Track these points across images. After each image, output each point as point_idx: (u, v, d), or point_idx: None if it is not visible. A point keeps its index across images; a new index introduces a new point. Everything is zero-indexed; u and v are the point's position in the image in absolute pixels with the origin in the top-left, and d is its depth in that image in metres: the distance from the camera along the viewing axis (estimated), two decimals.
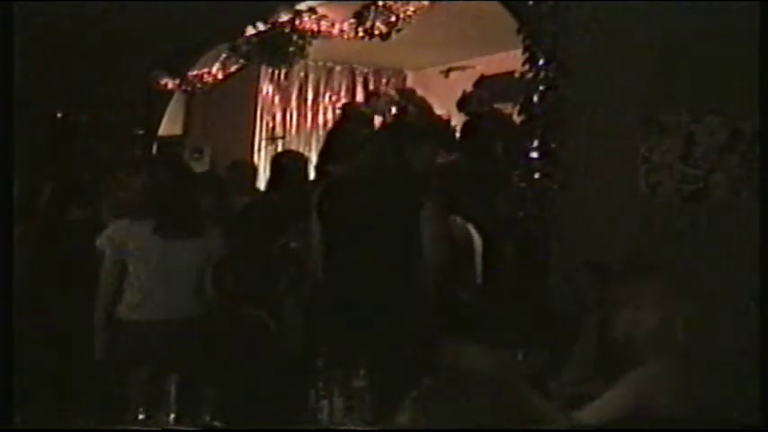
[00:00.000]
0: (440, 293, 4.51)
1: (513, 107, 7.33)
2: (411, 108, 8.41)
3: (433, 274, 4.45)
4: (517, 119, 6.14)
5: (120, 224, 4.98)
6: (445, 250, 4.51)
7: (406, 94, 8.80)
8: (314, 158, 8.75)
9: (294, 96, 11.17)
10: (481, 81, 8.31)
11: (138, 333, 4.76)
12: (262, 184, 7.55)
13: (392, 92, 9.38)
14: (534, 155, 5.57)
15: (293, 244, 5.34)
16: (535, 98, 5.59)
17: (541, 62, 5.56)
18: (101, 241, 4.96)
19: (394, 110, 8.73)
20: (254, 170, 7.94)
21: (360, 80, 11.30)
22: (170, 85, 9.61)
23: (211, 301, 4.78)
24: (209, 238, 4.93)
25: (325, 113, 11.21)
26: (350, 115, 8.14)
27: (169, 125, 10.01)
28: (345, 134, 7.61)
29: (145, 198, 5.22)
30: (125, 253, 4.89)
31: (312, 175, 7.17)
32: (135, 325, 4.81)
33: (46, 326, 5.42)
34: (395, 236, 4.41)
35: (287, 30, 8.66)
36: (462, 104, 7.65)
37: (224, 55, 9.38)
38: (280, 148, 10.09)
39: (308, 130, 11.17)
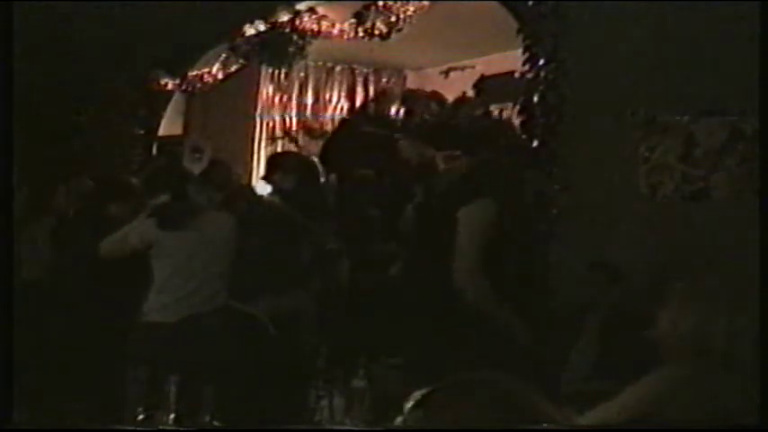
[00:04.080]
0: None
1: (513, 107, 7.33)
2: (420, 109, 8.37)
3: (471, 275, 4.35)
4: (517, 119, 6.13)
5: (148, 223, 4.90)
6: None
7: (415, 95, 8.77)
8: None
9: (294, 96, 11.15)
10: (481, 81, 8.30)
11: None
12: (261, 183, 7.53)
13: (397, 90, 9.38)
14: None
15: (330, 246, 5.29)
16: (535, 98, 5.58)
17: (541, 62, 5.56)
18: (134, 240, 4.89)
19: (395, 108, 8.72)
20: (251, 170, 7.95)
21: (360, 80, 11.29)
22: (170, 85, 9.59)
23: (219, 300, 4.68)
24: (207, 232, 4.87)
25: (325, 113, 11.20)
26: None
27: (169, 125, 9.99)
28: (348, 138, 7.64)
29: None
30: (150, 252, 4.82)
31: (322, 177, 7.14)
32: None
33: (49, 325, 5.42)
34: (432, 239, 4.33)
35: (287, 30, 8.65)
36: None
37: (224, 55, 9.36)
38: (279, 149, 10.08)
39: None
